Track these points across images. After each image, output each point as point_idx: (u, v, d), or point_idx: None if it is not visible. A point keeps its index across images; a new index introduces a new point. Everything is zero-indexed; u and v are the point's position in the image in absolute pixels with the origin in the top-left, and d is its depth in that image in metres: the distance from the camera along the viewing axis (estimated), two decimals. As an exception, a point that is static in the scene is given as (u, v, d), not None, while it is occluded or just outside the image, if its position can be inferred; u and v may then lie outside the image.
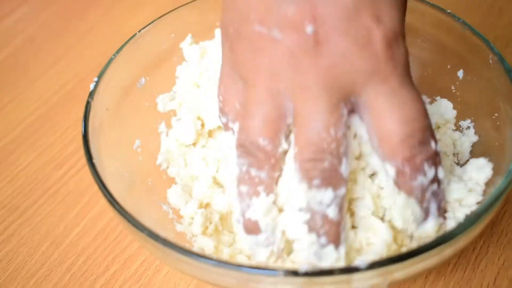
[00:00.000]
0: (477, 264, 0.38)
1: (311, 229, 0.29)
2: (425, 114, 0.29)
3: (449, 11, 0.40)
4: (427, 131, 0.29)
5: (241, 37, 0.29)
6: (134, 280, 0.39)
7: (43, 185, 0.45)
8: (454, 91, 0.41)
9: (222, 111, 0.34)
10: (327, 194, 0.29)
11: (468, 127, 0.40)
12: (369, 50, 0.27)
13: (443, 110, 0.40)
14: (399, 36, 0.28)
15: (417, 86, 0.30)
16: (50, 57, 0.56)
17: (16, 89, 0.53)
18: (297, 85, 0.29)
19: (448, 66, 0.41)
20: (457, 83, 0.40)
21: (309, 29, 0.27)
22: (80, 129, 0.49)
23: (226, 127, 0.35)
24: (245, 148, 0.31)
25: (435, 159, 0.30)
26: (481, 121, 0.39)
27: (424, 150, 0.29)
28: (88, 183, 0.45)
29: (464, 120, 0.40)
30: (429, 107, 0.39)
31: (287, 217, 0.30)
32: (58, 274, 0.40)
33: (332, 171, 0.29)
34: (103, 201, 0.43)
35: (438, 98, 0.41)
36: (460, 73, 0.40)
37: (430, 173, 0.30)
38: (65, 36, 0.58)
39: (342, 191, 0.29)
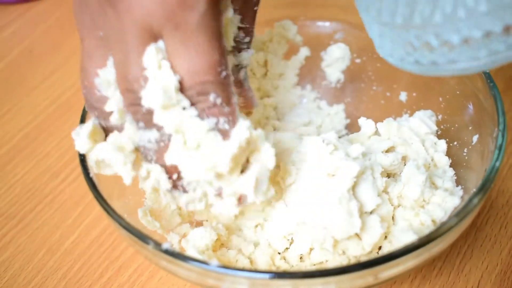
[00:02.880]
0: (462, 268, 0.39)
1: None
2: (211, 67, 0.30)
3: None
4: (209, 84, 0.30)
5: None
6: (128, 286, 0.40)
7: (40, 193, 0.46)
8: (441, 100, 0.42)
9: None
10: (153, 134, 0.31)
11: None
12: None
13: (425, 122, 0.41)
14: None
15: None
16: (47, 68, 0.57)
17: (14, 99, 0.55)
18: (108, 34, 0.30)
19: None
20: (447, 96, 0.42)
21: None
22: (76, 138, 0.50)
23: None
24: (88, 101, 0.34)
25: (213, 110, 0.31)
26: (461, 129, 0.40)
27: (202, 100, 0.30)
28: (84, 192, 0.46)
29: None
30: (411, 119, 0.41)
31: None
32: (54, 281, 0.41)
33: (151, 114, 0.31)
34: (97, 209, 0.45)
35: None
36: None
37: (210, 121, 0.31)
38: (62, 47, 0.60)
39: (165, 130, 0.31)
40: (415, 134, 0.40)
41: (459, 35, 0.24)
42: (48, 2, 0.65)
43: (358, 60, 0.47)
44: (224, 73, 0.30)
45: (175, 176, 0.32)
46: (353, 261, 0.35)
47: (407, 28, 0.26)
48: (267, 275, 0.28)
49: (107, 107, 0.33)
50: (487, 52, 0.24)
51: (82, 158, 0.35)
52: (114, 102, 0.32)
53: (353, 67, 0.47)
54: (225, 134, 0.31)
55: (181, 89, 0.30)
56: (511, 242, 0.41)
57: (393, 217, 0.36)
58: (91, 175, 0.34)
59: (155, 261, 0.32)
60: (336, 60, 0.47)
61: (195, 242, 0.35)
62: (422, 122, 0.40)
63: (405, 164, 0.38)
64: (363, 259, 0.34)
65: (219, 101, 0.30)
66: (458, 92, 0.40)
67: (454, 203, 0.35)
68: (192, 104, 0.30)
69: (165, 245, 0.30)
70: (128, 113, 0.32)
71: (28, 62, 0.58)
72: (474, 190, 0.32)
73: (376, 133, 0.41)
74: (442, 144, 0.40)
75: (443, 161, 0.39)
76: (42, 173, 0.48)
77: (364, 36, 0.44)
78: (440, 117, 0.42)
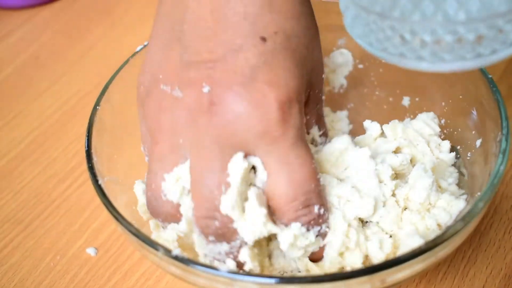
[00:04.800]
0: (466, 273, 0.40)
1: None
2: (312, 178, 0.31)
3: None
4: (311, 195, 0.31)
5: (149, 95, 0.32)
6: (135, 291, 0.40)
7: (47, 199, 0.47)
8: (443, 104, 0.43)
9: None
10: (223, 247, 0.31)
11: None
12: (261, 111, 0.29)
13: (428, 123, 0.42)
14: (293, 101, 0.30)
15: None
16: (52, 74, 0.58)
17: (20, 105, 0.55)
18: (193, 142, 0.30)
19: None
20: (450, 101, 0.42)
21: (205, 89, 0.29)
22: (83, 144, 0.50)
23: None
24: (152, 206, 0.33)
25: (317, 220, 0.32)
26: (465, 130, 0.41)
27: (307, 212, 0.31)
28: (90, 197, 0.46)
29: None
30: (414, 122, 0.41)
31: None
32: (61, 285, 0.41)
33: (224, 228, 0.31)
34: (104, 214, 0.45)
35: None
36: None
37: (315, 230, 0.32)
38: (67, 54, 0.60)
39: (237, 242, 0.31)
40: (420, 136, 0.40)
41: (433, 36, 0.25)
42: (54, 8, 0.66)
43: (360, 66, 0.47)
44: (321, 180, 0.32)
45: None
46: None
47: (384, 18, 0.26)
48: (273, 280, 0.28)
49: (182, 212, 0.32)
50: (455, 56, 0.26)
51: (90, 166, 0.35)
52: (184, 208, 0.32)
53: (355, 73, 0.48)
54: (324, 236, 0.32)
55: (282, 202, 0.30)
56: (515, 246, 0.41)
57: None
58: (100, 182, 0.34)
59: (164, 267, 0.32)
60: (338, 66, 0.48)
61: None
62: (425, 124, 0.41)
63: (413, 166, 0.38)
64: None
65: (322, 211, 0.31)
66: (461, 97, 0.40)
67: (459, 207, 0.36)
68: (294, 219, 0.31)
69: (175, 251, 0.30)
70: (197, 226, 0.32)
71: (35, 68, 0.59)
72: (479, 193, 0.32)
73: (382, 135, 0.41)
74: (446, 145, 0.40)
75: (449, 158, 0.39)
76: (48, 178, 0.48)
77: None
78: (443, 121, 0.42)
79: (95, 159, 0.36)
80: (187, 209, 0.32)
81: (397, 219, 0.36)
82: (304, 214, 0.31)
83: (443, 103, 0.42)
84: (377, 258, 0.33)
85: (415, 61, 0.27)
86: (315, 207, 0.31)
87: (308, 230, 0.31)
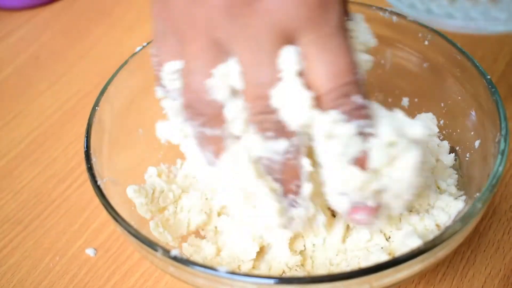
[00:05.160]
0: (465, 273, 0.40)
1: (271, 174, 0.31)
2: (351, 68, 0.29)
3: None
4: (352, 85, 0.29)
5: None
6: (134, 291, 0.40)
7: (46, 199, 0.47)
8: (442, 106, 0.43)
9: (158, 78, 0.33)
10: (282, 144, 0.30)
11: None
12: None
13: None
14: None
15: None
16: (52, 74, 0.58)
17: (20, 105, 0.55)
18: (237, 34, 0.28)
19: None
20: (449, 102, 0.42)
21: None
22: (82, 144, 0.50)
23: (164, 96, 0.34)
24: (193, 109, 0.31)
25: (357, 112, 0.30)
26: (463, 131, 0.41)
27: (347, 102, 0.29)
28: (90, 197, 0.47)
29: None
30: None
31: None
32: (60, 285, 0.41)
33: (282, 122, 0.29)
34: (104, 215, 0.45)
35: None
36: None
37: (355, 124, 0.30)
38: (67, 54, 0.60)
39: (296, 139, 0.30)
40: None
41: None
42: (54, 8, 0.66)
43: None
44: (359, 74, 0.30)
45: (293, 187, 0.31)
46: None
47: None
48: (272, 281, 0.29)
49: (229, 115, 0.30)
50: (486, 16, 0.24)
51: (89, 166, 0.35)
52: (236, 110, 0.30)
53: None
54: (367, 137, 0.30)
55: (322, 92, 0.29)
56: (514, 247, 0.41)
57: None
58: (99, 183, 0.34)
59: (163, 267, 0.33)
60: None
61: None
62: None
63: None
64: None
65: (361, 102, 0.29)
66: (459, 98, 0.40)
67: (458, 208, 0.36)
68: (332, 107, 0.29)
69: (174, 252, 0.30)
70: (253, 123, 0.30)
71: (35, 68, 0.59)
72: (478, 194, 0.32)
73: None
74: (446, 145, 0.40)
75: (448, 160, 0.39)
76: (48, 178, 0.48)
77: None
78: (442, 122, 0.42)
79: (94, 159, 0.36)
80: (237, 109, 0.30)
81: (395, 220, 0.36)
82: (344, 103, 0.29)
83: (442, 104, 0.43)
84: None
85: (443, 18, 0.25)
86: (355, 97, 0.29)
87: (348, 121, 0.29)
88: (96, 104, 0.38)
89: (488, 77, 0.37)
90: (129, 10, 0.65)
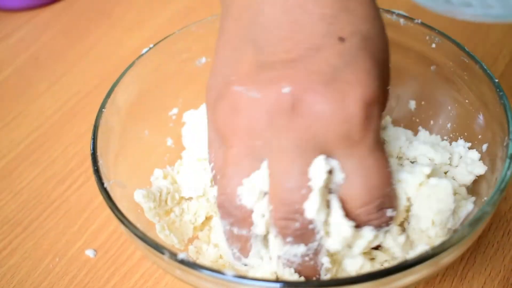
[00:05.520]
0: (465, 274, 0.40)
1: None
2: (388, 182, 0.31)
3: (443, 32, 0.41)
4: (385, 199, 0.31)
5: (222, 97, 0.30)
6: (134, 292, 0.40)
7: (46, 200, 0.47)
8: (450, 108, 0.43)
9: (214, 179, 0.35)
10: (300, 249, 0.31)
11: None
12: (343, 112, 0.28)
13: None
14: (374, 103, 0.29)
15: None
16: (52, 75, 0.58)
17: (20, 106, 0.55)
18: (272, 144, 0.30)
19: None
20: (456, 105, 0.42)
21: (285, 89, 0.28)
22: (82, 145, 0.51)
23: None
24: (224, 209, 0.33)
25: (387, 223, 0.32)
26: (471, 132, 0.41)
27: (380, 215, 0.31)
28: (90, 198, 0.47)
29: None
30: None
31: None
32: (60, 287, 0.41)
33: (303, 229, 0.31)
34: (103, 215, 0.45)
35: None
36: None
37: (382, 231, 0.32)
38: (67, 55, 0.60)
39: (314, 244, 0.31)
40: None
41: None
42: (53, 9, 0.66)
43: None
44: (394, 183, 0.31)
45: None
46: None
47: None
48: (279, 285, 0.29)
49: (255, 218, 0.32)
50: (503, 3, 0.24)
51: (96, 169, 0.35)
52: (259, 213, 0.32)
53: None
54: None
55: (357, 205, 0.30)
56: (513, 248, 0.41)
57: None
58: (105, 185, 0.34)
59: (169, 270, 0.32)
60: None
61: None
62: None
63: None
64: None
65: (393, 213, 0.31)
66: (467, 101, 0.40)
67: (467, 210, 0.36)
68: (367, 220, 0.31)
69: (181, 255, 0.30)
70: (275, 227, 0.31)
71: (34, 69, 0.59)
72: (486, 198, 0.32)
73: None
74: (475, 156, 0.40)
75: (474, 156, 0.39)
76: (48, 179, 0.48)
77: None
78: (449, 125, 0.42)
79: (100, 161, 0.36)
80: (263, 211, 0.32)
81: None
82: (377, 218, 0.31)
83: (449, 107, 0.42)
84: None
85: (461, 7, 0.25)
86: (388, 210, 0.31)
87: (378, 231, 0.32)
88: (103, 106, 0.38)
89: (496, 80, 0.37)
90: (129, 10, 0.65)
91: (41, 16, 0.65)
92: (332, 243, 0.31)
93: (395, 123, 0.46)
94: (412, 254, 0.34)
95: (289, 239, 0.31)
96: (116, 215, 0.33)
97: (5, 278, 0.42)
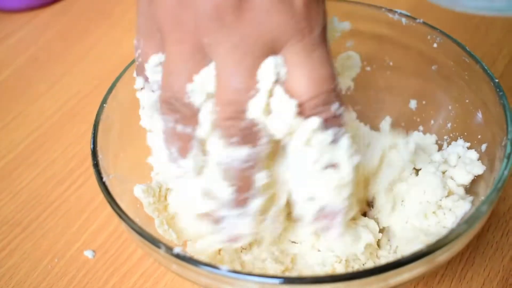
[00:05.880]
0: (463, 275, 0.40)
1: (227, 180, 0.32)
2: (332, 77, 0.30)
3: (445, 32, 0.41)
4: (331, 93, 0.30)
5: None
6: (133, 293, 0.40)
7: (45, 201, 0.47)
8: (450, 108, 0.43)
9: (139, 68, 0.34)
10: (243, 151, 0.31)
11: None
12: (290, 7, 0.28)
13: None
14: None
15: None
16: (52, 76, 0.58)
17: (19, 107, 0.55)
18: (221, 42, 0.29)
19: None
20: (456, 105, 0.42)
21: None
22: (82, 145, 0.51)
23: (142, 86, 0.35)
24: (170, 105, 0.31)
25: (336, 120, 0.31)
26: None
27: (327, 109, 0.30)
28: (89, 199, 0.47)
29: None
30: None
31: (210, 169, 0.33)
32: (59, 287, 0.41)
33: (249, 129, 0.30)
34: (103, 216, 0.45)
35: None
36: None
37: (332, 131, 0.31)
38: (67, 55, 0.60)
39: (257, 148, 0.31)
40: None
41: None
42: (53, 10, 0.66)
43: (368, 68, 0.47)
44: (338, 82, 0.31)
45: (244, 196, 0.32)
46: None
47: None
48: (277, 280, 0.29)
49: (201, 118, 0.31)
50: None
51: (96, 163, 0.35)
52: (206, 113, 0.31)
53: (363, 75, 0.48)
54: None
55: (303, 99, 0.30)
56: (513, 249, 0.41)
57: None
58: (104, 179, 0.34)
59: (166, 265, 0.33)
60: (346, 68, 0.48)
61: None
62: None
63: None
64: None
65: (340, 110, 0.31)
66: (467, 101, 0.40)
67: (465, 209, 0.36)
68: (313, 114, 0.30)
69: (176, 250, 0.30)
70: (219, 128, 0.31)
71: (34, 70, 0.59)
72: (483, 198, 0.32)
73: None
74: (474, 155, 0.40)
75: (472, 156, 0.39)
76: (47, 180, 0.48)
77: (374, 45, 0.45)
78: (449, 125, 0.42)
79: (100, 156, 0.36)
80: (208, 111, 0.31)
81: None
82: (324, 111, 0.30)
83: (449, 107, 0.42)
84: None
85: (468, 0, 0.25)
86: (334, 105, 0.30)
87: (326, 128, 0.30)
88: (104, 101, 0.39)
89: (496, 80, 0.37)
90: (129, 10, 0.65)
91: (41, 17, 0.65)
92: (276, 126, 0.30)
93: (396, 122, 0.46)
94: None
95: (233, 139, 0.30)
96: (114, 209, 0.33)
97: (4, 279, 0.42)
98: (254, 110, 0.29)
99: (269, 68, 0.29)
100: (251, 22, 0.28)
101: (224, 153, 0.31)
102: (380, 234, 0.37)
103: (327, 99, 0.30)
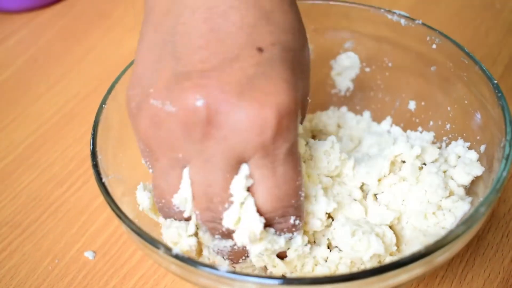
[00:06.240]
0: (464, 276, 0.40)
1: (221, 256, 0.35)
2: (294, 194, 0.32)
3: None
4: (289, 209, 0.32)
5: (141, 110, 0.30)
6: (133, 294, 0.40)
7: (45, 202, 0.47)
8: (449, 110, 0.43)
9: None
10: (229, 243, 0.33)
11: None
12: (258, 122, 0.28)
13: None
14: (290, 113, 0.29)
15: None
16: (51, 77, 0.58)
17: (18, 108, 0.55)
18: (193, 157, 0.30)
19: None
20: (455, 106, 0.42)
21: (199, 102, 0.28)
22: (81, 147, 0.51)
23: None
24: (165, 213, 0.34)
25: (290, 229, 0.33)
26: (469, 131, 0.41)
27: (282, 221, 0.32)
28: (88, 200, 0.47)
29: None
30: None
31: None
32: (59, 289, 0.41)
33: (230, 230, 0.32)
34: (102, 218, 0.45)
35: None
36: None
37: (286, 236, 0.33)
38: (66, 57, 0.60)
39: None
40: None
41: None
42: (53, 11, 0.66)
43: (367, 69, 0.48)
44: (303, 195, 0.32)
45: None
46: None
47: None
48: (277, 281, 0.29)
49: (187, 219, 0.34)
50: None
51: (95, 163, 0.35)
52: (190, 213, 0.33)
53: (362, 76, 0.48)
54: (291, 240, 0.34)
55: (263, 211, 0.31)
56: (513, 250, 0.41)
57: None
58: (104, 180, 0.34)
59: (165, 266, 0.33)
60: (345, 69, 0.48)
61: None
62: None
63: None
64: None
65: (297, 222, 0.32)
66: (466, 102, 0.40)
67: (464, 210, 0.36)
68: (270, 224, 0.32)
69: (175, 250, 0.30)
70: (204, 226, 0.33)
71: (33, 71, 0.59)
72: (482, 199, 0.32)
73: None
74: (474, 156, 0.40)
75: (472, 157, 0.39)
76: (47, 182, 0.48)
77: (373, 46, 0.45)
78: (448, 126, 0.42)
79: (99, 157, 0.36)
80: (190, 211, 0.33)
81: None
82: (279, 222, 0.32)
83: (448, 108, 0.42)
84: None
85: None
86: (291, 218, 0.32)
87: (279, 235, 0.33)
88: (103, 102, 0.39)
89: (495, 81, 0.37)
90: (127, 12, 0.65)
91: (40, 18, 0.65)
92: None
93: (395, 123, 0.46)
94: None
95: (217, 236, 0.33)
96: (113, 209, 0.33)
97: (4, 280, 0.42)
98: (227, 221, 0.31)
99: (240, 182, 0.30)
100: (218, 139, 0.29)
101: (212, 244, 0.34)
102: (395, 247, 0.37)
103: (284, 213, 0.32)
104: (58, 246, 0.44)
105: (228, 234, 0.32)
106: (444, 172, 0.39)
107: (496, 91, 0.37)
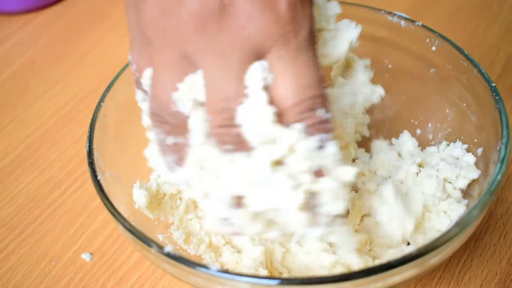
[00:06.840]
0: (461, 277, 0.40)
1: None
2: (319, 82, 0.30)
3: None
4: (318, 99, 0.30)
5: None
6: (130, 296, 0.40)
7: (42, 203, 0.47)
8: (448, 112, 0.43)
9: (136, 83, 0.33)
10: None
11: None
12: (273, 11, 0.28)
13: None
14: (304, 0, 0.28)
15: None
16: (49, 79, 0.58)
17: (16, 110, 0.55)
18: (205, 50, 0.29)
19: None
20: (454, 108, 0.42)
21: None
22: (79, 148, 0.51)
23: (142, 98, 0.34)
24: (159, 117, 0.31)
25: (321, 126, 0.30)
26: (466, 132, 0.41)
27: (311, 115, 0.30)
28: (86, 202, 0.46)
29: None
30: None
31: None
32: (56, 290, 0.41)
33: (242, 136, 0.30)
34: (99, 219, 0.45)
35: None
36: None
37: (317, 137, 0.30)
38: (64, 59, 0.60)
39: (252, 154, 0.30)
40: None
41: None
42: (50, 13, 0.66)
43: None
44: (325, 88, 0.30)
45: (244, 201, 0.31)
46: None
47: None
48: (274, 281, 0.29)
49: (193, 127, 0.31)
50: None
51: (91, 161, 0.35)
52: (197, 121, 0.30)
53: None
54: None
55: (287, 105, 0.29)
56: (510, 251, 0.41)
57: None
58: (99, 177, 0.34)
59: (158, 264, 0.33)
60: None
61: None
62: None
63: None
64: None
65: (326, 116, 0.30)
66: (464, 104, 0.40)
67: (459, 212, 0.36)
68: (297, 121, 0.29)
69: (167, 248, 0.30)
70: (213, 136, 0.30)
71: (31, 73, 0.59)
72: (476, 201, 0.32)
73: None
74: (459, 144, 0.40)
75: (469, 160, 0.39)
76: (44, 183, 0.48)
77: (373, 47, 0.45)
78: (446, 128, 0.42)
79: (96, 154, 0.36)
80: (200, 121, 0.30)
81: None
82: (308, 117, 0.30)
83: (447, 110, 0.42)
84: None
85: None
86: (319, 110, 0.30)
87: (311, 134, 0.29)
88: (101, 100, 0.39)
89: (493, 84, 0.37)
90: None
91: (38, 20, 0.65)
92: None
93: (393, 125, 0.46)
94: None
95: (227, 146, 0.30)
96: (106, 206, 0.33)
97: (1, 282, 0.42)
98: (241, 116, 0.29)
99: (256, 73, 0.28)
100: (234, 29, 0.28)
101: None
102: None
103: (312, 105, 0.30)
104: (55, 248, 0.44)
105: (239, 143, 0.30)
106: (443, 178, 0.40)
107: (494, 94, 0.37)
